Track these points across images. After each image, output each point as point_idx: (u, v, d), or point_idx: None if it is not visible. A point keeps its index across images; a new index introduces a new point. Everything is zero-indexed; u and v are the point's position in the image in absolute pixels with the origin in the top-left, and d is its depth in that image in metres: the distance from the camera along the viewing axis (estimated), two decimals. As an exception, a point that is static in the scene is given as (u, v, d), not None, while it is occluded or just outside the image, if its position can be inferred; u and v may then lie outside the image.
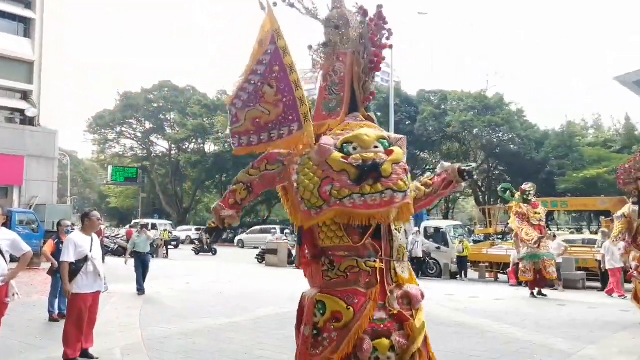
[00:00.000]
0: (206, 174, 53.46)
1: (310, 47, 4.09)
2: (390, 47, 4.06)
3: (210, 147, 55.61)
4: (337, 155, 3.36)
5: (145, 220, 28.95)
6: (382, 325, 3.40)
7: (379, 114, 43.75)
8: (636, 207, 9.09)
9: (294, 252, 23.66)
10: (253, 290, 13.88)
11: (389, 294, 3.48)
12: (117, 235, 29.87)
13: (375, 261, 3.46)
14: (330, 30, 3.94)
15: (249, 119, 3.71)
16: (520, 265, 14.24)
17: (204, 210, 68.53)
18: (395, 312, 3.48)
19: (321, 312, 3.45)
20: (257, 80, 3.65)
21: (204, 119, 53.00)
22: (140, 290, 12.63)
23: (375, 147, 3.49)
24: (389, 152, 3.50)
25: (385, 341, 3.36)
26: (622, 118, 46.28)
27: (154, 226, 32.44)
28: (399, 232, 3.67)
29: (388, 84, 47.18)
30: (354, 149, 3.40)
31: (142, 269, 12.82)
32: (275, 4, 3.68)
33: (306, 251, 3.86)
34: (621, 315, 10.32)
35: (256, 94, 3.63)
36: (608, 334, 8.51)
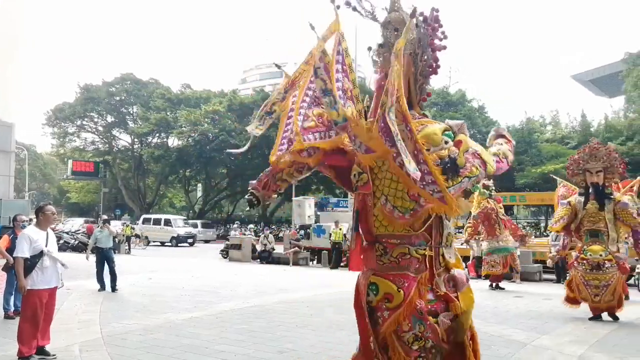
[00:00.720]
0: (169, 169, 52.80)
1: (369, 49, 4.22)
2: (445, 48, 4.21)
3: (173, 142, 54.95)
4: None
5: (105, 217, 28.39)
6: (429, 306, 3.67)
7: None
8: (582, 198, 9.26)
9: (258, 247, 23.75)
10: (216, 285, 13.81)
11: (436, 277, 3.77)
12: (77, 230, 29.24)
13: (425, 249, 3.72)
14: (389, 33, 4.06)
15: (315, 116, 3.93)
16: (489, 259, 14.39)
17: (167, 205, 67.75)
18: (442, 293, 3.76)
19: (374, 292, 3.72)
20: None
21: (168, 113, 52.32)
22: (102, 287, 12.32)
23: (445, 142, 3.77)
24: (457, 144, 3.79)
25: (432, 320, 3.66)
26: (578, 115, 47.57)
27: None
28: (449, 220, 3.93)
29: (352, 79, 47.36)
30: (427, 150, 3.55)
31: (103, 264, 12.47)
32: (338, 7, 3.81)
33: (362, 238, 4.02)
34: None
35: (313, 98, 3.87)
36: (561, 324, 8.77)
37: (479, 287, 14.33)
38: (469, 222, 14.93)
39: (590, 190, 9.12)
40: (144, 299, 11.35)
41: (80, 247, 25.88)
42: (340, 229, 20.65)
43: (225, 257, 24.69)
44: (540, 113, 65.16)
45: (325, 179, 52.23)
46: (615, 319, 9.11)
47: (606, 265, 8.87)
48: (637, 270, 14.36)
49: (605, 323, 8.97)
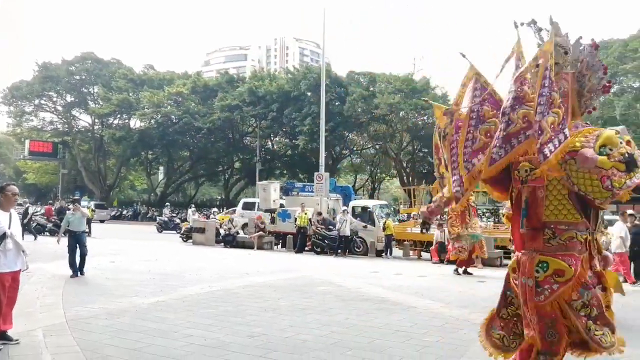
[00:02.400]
0: (131, 151, 51.84)
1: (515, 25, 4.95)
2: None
3: (135, 123, 53.97)
4: (603, 158, 4.18)
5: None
6: (589, 280, 4.44)
7: (309, 93, 43.89)
8: None
9: (221, 231, 23.62)
10: (181, 269, 13.70)
11: (595, 257, 4.54)
12: (35, 212, 28.51)
13: (585, 234, 4.43)
14: (559, 55, 4.71)
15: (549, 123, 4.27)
16: (456, 245, 14.62)
17: (128, 188, 66.62)
18: (597, 270, 4.53)
19: (544, 269, 4.40)
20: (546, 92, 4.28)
21: (130, 94, 51.28)
22: (75, 273, 11.78)
23: (620, 142, 4.32)
24: (628, 143, 4.33)
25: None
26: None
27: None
28: (602, 211, 4.72)
29: (319, 64, 47.31)
30: (610, 149, 4.23)
31: (75, 249, 11.93)
32: (521, 24, 4.76)
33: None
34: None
35: (548, 103, 4.24)
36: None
37: (441, 272, 14.65)
38: (450, 214, 14.97)
39: None
40: (107, 282, 11.20)
41: (38, 230, 25.29)
42: (305, 214, 20.70)
43: (185, 241, 24.53)
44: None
45: (290, 164, 52.24)
46: None
47: None
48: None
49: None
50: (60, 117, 56.45)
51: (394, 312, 8.45)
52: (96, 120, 55.18)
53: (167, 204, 45.32)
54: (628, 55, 27.15)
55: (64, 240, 12.20)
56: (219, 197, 63.34)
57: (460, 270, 14.34)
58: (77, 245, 12.00)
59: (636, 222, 13.66)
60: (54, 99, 54.95)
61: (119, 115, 53.41)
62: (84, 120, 57.00)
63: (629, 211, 14.63)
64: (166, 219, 34.96)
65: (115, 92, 50.67)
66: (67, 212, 12.70)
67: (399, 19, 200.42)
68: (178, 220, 34.65)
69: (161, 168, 61.48)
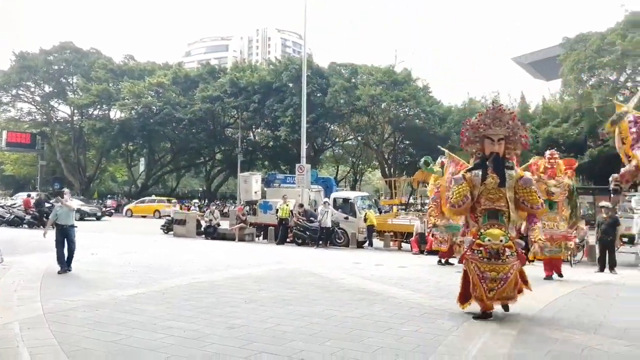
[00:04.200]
0: (111, 142, 51.35)
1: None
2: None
3: (116, 114, 53.44)
4: None
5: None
6: None
7: (291, 84, 43.78)
8: (479, 171, 7.58)
9: (203, 222, 23.51)
10: (162, 261, 13.65)
11: None
12: (14, 204, 28.16)
13: None
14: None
15: None
16: (438, 236, 14.72)
17: (108, 179, 66.02)
18: None
19: None
20: None
21: (110, 84, 50.72)
22: (63, 268, 11.25)
23: None
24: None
25: None
26: (518, 96, 49.01)
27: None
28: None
29: (301, 55, 47.21)
30: None
31: (64, 244, 11.38)
32: None
33: None
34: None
35: None
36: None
37: (421, 263, 14.78)
38: (430, 204, 15.07)
39: (488, 162, 7.52)
40: (87, 275, 11.11)
41: (15, 222, 25.01)
42: (287, 205, 20.71)
43: (166, 233, 24.43)
44: (482, 94, 66.96)
45: (272, 155, 52.14)
46: (506, 309, 7.70)
47: (506, 254, 7.20)
48: (570, 246, 15.06)
49: (543, 291, 9.42)
50: (38, 107, 55.64)
51: (374, 302, 8.52)
52: (75, 111, 54.51)
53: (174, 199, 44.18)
54: (606, 49, 27.46)
55: (51, 234, 11.62)
56: (201, 189, 63.09)
57: (444, 260, 14.48)
58: (65, 240, 11.42)
59: (610, 212, 13.90)
60: (32, 89, 54.12)
61: (98, 106, 52.80)
62: (63, 111, 56.31)
63: (603, 202, 14.88)
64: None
65: (95, 82, 50.08)
66: (56, 205, 11.86)
67: (382, 11, 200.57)
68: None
69: (142, 159, 61.03)
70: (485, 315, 7.38)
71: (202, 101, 46.56)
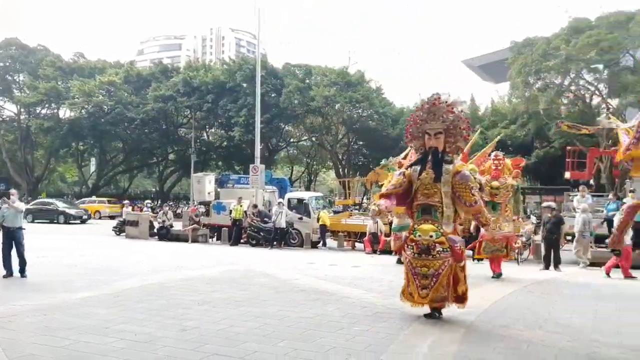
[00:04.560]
0: (60, 142, 49.86)
1: None
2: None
3: (65, 113, 51.88)
4: None
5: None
6: None
7: (245, 85, 43.55)
8: (418, 167, 7.45)
9: (156, 223, 23.16)
10: (114, 263, 13.40)
11: None
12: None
13: None
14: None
15: None
16: (399, 235, 14.84)
17: (57, 180, 64.15)
18: None
19: None
20: None
21: (59, 83, 49.22)
22: (8, 273, 10.80)
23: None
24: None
25: None
26: (468, 98, 50.07)
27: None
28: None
29: (254, 55, 46.98)
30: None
31: (11, 247, 10.91)
32: None
33: None
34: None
35: None
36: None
37: (374, 262, 14.97)
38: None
39: (428, 157, 7.39)
40: (34, 278, 10.78)
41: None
42: (241, 206, 20.61)
43: (118, 234, 23.97)
44: (450, 102, 67.71)
45: (225, 156, 51.70)
46: (438, 315, 7.41)
47: (437, 249, 7.06)
48: (517, 245, 15.54)
49: (491, 289, 9.69)
50: (-18, 105, 53.57)
51: (327, 302, 8.59)
52: (22, 110, 52.67)
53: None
54: (551, 53, 28.32)
55: None
56: (154, 189, 62.05)
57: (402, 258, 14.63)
58: (13, 243, 10.93)
59: (555, 212, 14.39)
60: (-24, 87, 52.08)
61: (47, 105, 51.16)
62: (8, 109, 54.35)
63: (547, 203, 15.40)
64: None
65: (43, 80, 48.52)
66: (2, 206, 11.20)
67: (335, 12, 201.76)
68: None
69: (93, 159, 59.54)
70: (432, 315, 7.38)
71: (154, 101, 45.82)
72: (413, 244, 7.24)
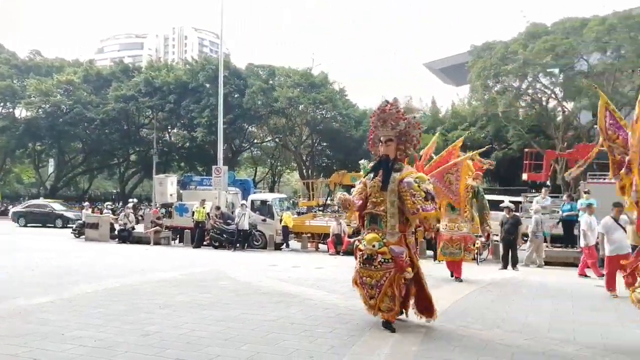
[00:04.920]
0: (16, 142, 48.43)
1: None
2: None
3: (21, 112, 50.41)
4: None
5: None
6: None
7: (207, 85, 43.18)
8: (371, 174, 7.31)
9: (116, 226, 22.77)
10: (71, 267, 13.11)
11: None
12: None
13: None
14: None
15: None
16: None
17: (14, 181, 62.30)
18: None
19: None
20: None
21: (14, 81, 47.84)
22: None
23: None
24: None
25: None
26: (429, 101, 50.90)
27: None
28: None
29: (217, 55, 46.64)
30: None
31: None
32: None
33: None
34: (435, 275, 11.49)
35: None
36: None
37: (338, 264, 15.05)
38: None
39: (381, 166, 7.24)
40: (-12, 284, 10.49)
41: None
42: (204, 208, 20.46)
43: (77, 237, 23.49)
44: (395, 98, 68.55)
45: (188, 157, 51.15)
46: (392, 330, 6.86)
47: (378, 260, 6.83)
48: (476, 245, 15.85)
49: (451, 290, 9.88)
50: None
51: (290, 304, 8.61)
52: (-25, 109, 51.04)
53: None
54: (509, 57, 28.95)
55: None
56: (115, 191, 60.93)
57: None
58: None
59: (513, 213, 14.74)
60: None
61: (1, 104, 49.68)
62: (-39, 108, 52.54)
63: (506, 203, 15.76)
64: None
65: (-3, 78, 47.08)
66: None
67: (299, 13, 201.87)
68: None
69: (51, 160, 58.09)
70: (386, 325, 6.94)
71: (115, 101, 45.03)
72: (360, 252, 7.09)
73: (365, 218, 7.28)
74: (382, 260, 6.82)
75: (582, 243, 12.87)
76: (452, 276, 11.96)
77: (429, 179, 7.35)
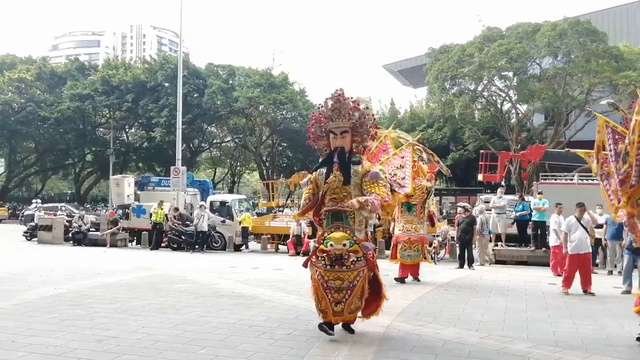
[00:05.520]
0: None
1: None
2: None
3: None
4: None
5: None
6: None
7: (166, 84, 42.59)
8: (324, 170, 6.78)
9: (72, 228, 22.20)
10: (23, 271, 12.75)
11: None
12: None
13: None
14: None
15: None
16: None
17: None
18: None
19: None
20: None
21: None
22: None
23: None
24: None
25: None
26: (388, 102, 51.43)
27: None
28: None
29: (177, 54, 46.04)
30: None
31: None
32: None
33: None
34: (394, 275, 11.70)
35: None
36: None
37: (297, 264, 14.97)
38: None
39: (335, 159, 6.68)
40: None
41: None
42: (162, 209, 20.19)
43: (29, 239, 22.86)
44: (354, 99, 69.06)
45: (146, 157, 50.33)
46: (351, 331, 6.80)
47: (351, 259, 6.38)
48: (433, 245, 16.16)
49: (409, 289, 10.02)
50: None
51: (249, 307, 8.59)
52: None
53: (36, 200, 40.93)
54: (465, 60, 29.51)
55: None
56: (69, 192, 59.46)
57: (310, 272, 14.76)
58: None
59: (469, 212, 15.07)
60: None
61: None
62: None
63: (462, 203, 16.08)
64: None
65: None
66: None
67: (260, 14, 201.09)
68: None
69: (1, 160, 56.27)
70: (328, 326, 6.51)
71: (70, 99, 43.92)
72: (324, 254, 6.41)
73: (324, 216, 6.70)
74: (355, 259, 6.39)
75: (552, 242, 13.07)
76: (399, 281, 11.59)
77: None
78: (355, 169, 6.62)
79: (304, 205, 6.96)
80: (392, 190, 6.76)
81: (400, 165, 8.28)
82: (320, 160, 7.00)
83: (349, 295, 6.36)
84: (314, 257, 6.61)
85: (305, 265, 6.75)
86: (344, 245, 6.35)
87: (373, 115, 7.04)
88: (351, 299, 6.39)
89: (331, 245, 6.36)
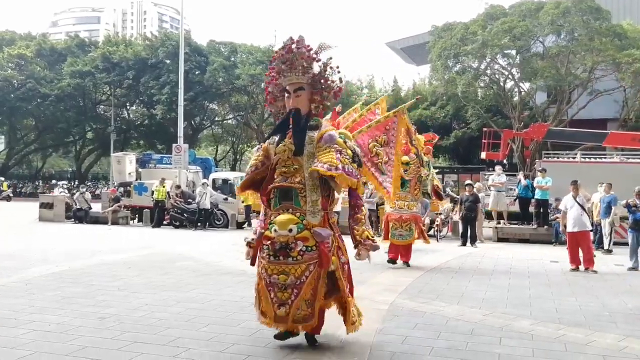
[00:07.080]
0: None
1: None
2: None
3: None
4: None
5: None
6: None
7: (167, 61, 42.26)
8: (277, 137, 5.37)
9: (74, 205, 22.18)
10: (24, 248, 12.75)
11: None
12: None
13: None
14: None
15: None
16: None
17: None
18: None
19: None
20: None
21: None
22: None
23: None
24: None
25: None
26: (391, 80, 51.11)
27: None
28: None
29: (178, 31, 45.61)
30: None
31: None
32: None
33: None
34: (385, 257, 11.61)
35: None
36: (376, 274, 9.50)
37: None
38: None
39: (289, 124, 5.29)
40: None
41: None
42: (163, 187, 20.13)
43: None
44: (357, 77, 68.79)
45: (147, 134, 50.17)
46: (313, 342, 5.35)
47: (298, 249, 4.94)
48: (436, 223, 16.14)
49: (408, 272, 10.01)
50: None
51: (251, 284, 8.42)
52: None
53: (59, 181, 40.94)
54: (469, 38, 29.26)
55: None
56: (70, 169, 59.46)
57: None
58: None
59: (474, 190, 15.02)
60: None
61: None
62: None
63: (467, 181, 16.03)
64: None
65: None
66: None
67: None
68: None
69: (1, 137, 56.19)
70: (286, 335, 5.30)
71: (70, 76, 43.66)
72: (268, 242, 5.06)
73: (272, 195, 5.30)
74: (304, 248, 4.96)
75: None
76: (391, 262, 10.77)
77: (354, 141, 5.62)
78: (311, 135, 5.20)
79: (247, 177, 5.60)
80: (359, 164, 5.29)
81: (385, 142, 6.50)
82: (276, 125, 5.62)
83: (295, 296, 4.95)
84: (261, 245, 5.23)
85: (252, 262, 5.45)
86: (290, 230, 4.94)
87: (337, 67, 5.36)
88: (297, 301, 4.95)
89: (275, 230, 5.00)
